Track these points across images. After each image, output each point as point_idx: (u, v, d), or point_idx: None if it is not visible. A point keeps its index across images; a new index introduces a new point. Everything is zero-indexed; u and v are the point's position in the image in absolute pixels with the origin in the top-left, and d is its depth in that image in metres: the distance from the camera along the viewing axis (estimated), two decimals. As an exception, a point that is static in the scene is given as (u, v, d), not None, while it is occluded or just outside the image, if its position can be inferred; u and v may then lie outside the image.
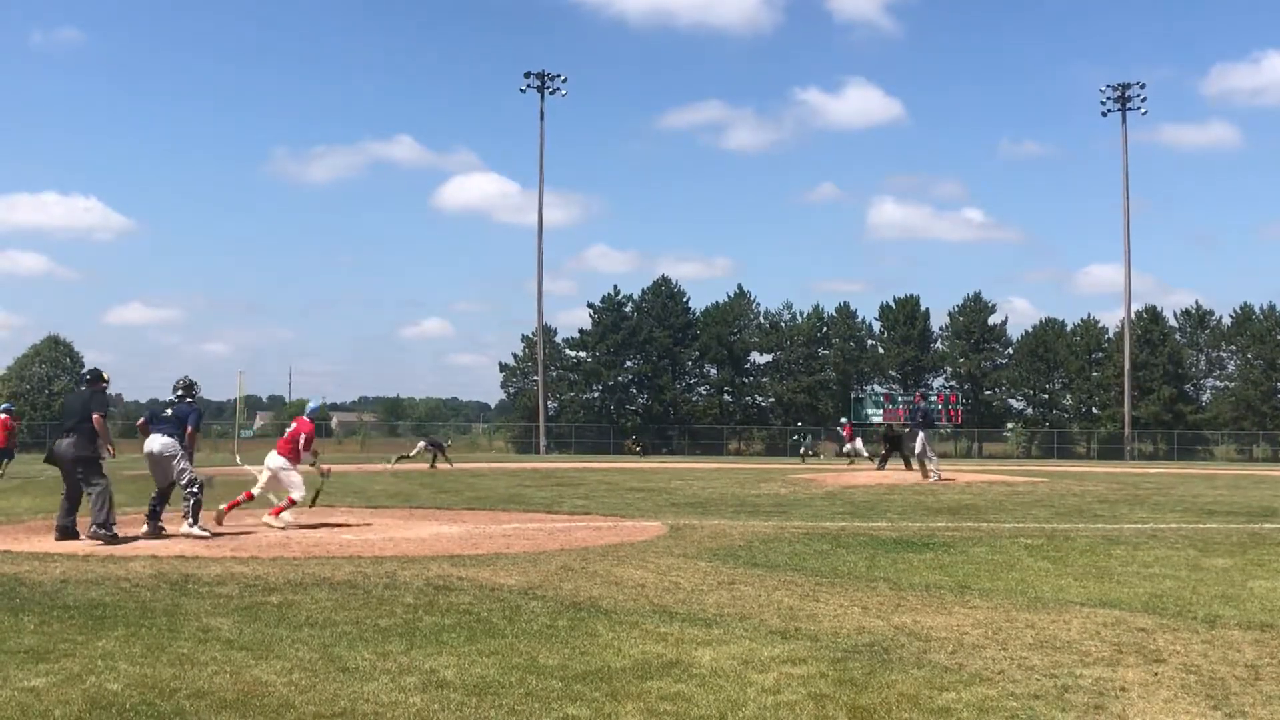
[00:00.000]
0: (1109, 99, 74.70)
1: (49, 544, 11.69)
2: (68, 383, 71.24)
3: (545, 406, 77.23)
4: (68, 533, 12.23)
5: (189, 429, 13.15)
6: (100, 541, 11.82)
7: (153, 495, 13.10)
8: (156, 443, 12.97)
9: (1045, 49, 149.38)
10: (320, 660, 6.17)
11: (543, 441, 73.11)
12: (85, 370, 13.45)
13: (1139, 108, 74.47)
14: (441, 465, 35.79)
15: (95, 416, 12.53)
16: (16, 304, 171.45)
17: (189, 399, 13.53)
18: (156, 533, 12.68)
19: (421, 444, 37.79)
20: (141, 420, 13.59)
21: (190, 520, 12.76)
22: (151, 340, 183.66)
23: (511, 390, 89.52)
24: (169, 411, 13.39)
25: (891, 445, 33.49)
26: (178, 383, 13.58)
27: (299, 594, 8.46)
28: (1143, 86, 74.36)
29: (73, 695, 5.35)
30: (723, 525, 14.71)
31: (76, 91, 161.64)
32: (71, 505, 12.42)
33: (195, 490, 12.95)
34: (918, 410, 27.54)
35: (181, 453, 13.05)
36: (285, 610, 7.77)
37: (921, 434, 26.96)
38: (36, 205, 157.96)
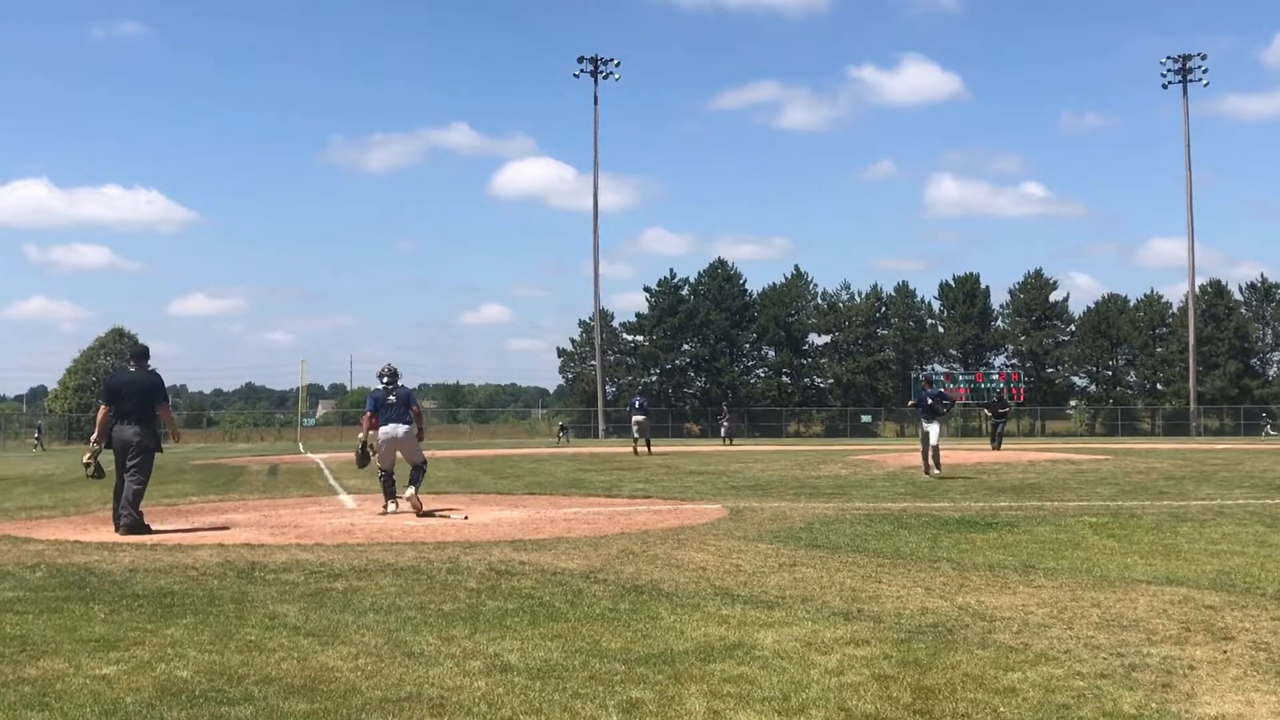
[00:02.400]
0: (1169, 71, 73.62)
1: (117, 534, 11.82)
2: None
3: (604, 391, 77.44)
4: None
5: (414, 408, 14.46)
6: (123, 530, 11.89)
7: (381, 475, 14.43)
8: (400, 429, 14.21)
9: (1105, 19, 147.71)
10: (385, 645, 6.22)
11: (601, 426, 73.29)
12: (134, 348, 13.62)
13: (1200, 79, 73.38)
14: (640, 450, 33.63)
15: (163, 408, 12.68)
16: (82, 297, 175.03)
17: (400, 382, 14.48)
18: (408, 509, 13.83)
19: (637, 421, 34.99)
20: (368, 414, 14.50)
21: (416, 489, 14.01)
22: (214, 330, 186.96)
23: (570, 375, 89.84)
24: (392, 398, 14.29)
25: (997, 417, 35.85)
26: (383, 370, 14.50)
27: (364, 580, 8.55)
28: (1204, 58, 73.49)
29: (143, 683, 5.44)
30: (783, 507, 14.68)
31: (137, 85, 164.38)
32: None
33: (424, 467, 14.58)
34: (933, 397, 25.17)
35: (417, 432, 14.46)
36: (350, 596, 7.85)
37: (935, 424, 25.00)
38: (100, 199, 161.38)
